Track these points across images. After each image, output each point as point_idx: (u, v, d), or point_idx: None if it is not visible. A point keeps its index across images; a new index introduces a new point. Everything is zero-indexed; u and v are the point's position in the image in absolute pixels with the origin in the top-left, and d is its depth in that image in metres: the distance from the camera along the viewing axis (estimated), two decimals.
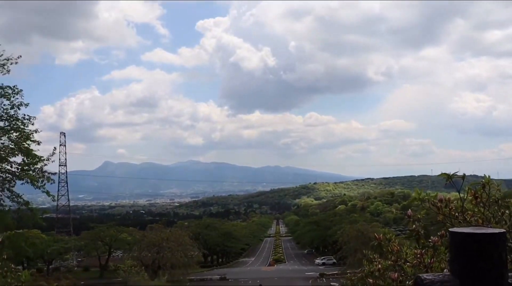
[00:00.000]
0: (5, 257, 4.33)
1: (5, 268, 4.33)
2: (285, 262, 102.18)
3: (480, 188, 2.71)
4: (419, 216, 3.00)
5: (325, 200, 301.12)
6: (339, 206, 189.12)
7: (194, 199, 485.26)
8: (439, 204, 2.73)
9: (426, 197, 2.75)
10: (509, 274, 1.18)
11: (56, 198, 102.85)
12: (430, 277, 1.19)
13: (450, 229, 1.20)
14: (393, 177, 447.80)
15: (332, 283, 52.38)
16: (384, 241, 3.27)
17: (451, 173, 2.57)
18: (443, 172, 2.73)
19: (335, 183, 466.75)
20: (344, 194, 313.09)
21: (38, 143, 16.88)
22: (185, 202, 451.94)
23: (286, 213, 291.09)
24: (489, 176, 2.64)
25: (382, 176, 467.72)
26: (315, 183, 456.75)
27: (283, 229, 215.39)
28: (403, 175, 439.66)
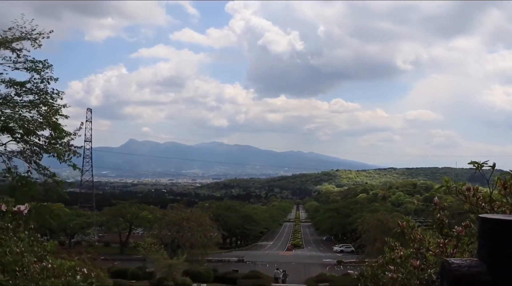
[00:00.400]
0: (32, 226, 4.39)
1: (32, 238, 4.40)
2: (303, 248, 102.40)
3: (509, 179, 2.64)
4: (445, 204, 2.94)
5: (346, 188, 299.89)
6: (360, 194, 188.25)
7: (215, 180, 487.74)
8: (466, 193, 2.67)
9: (454, 185, 2.69)
10: None
11: (80, 172, 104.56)
12: (458, 262, 1.16)
13: (480, 215, 1.19)
14: (416, 168, 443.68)
15: (349, 271, 52.30)
16: (407, 229, 3.23)
17: (481, 162, 2.51)
18: (468, 164, 2.68)
19: (357, 171, 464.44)
20: (366, 183, 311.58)
21: (66, 117, 17.06)
22: (206, 183, 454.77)
23: (307, 198, 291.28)
24: None
25: (405, 166, 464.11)
26: (337, 170, 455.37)
27: (303, 214, 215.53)
28: (427, 166, 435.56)
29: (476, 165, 2.55)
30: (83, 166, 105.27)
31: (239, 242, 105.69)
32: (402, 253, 3.51)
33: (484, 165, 2.53)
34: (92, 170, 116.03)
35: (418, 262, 2.95)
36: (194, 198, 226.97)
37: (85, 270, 5.10)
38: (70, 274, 4.67)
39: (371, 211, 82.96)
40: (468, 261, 1.17)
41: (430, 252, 3.04)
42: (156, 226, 63.99)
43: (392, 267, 3.41)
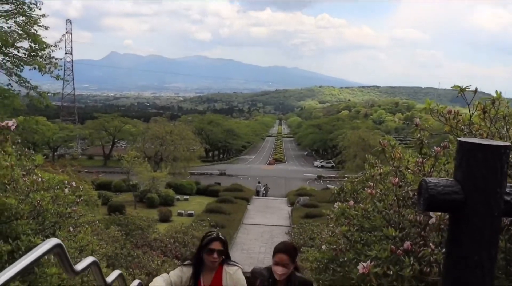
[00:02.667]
0: (19, 141, 4.43)
1: (19, 152, 4.45)
2: (285, 162, 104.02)
3: (489, 103, 2.72)
4: (426, 125, 3.04)
5: (329, 105, 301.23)
6: (343, 111, 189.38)
7: (198, 94, 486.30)
8: (447, 115, 2.76)
9: (436, 107, 2.77)
10: (507, 185, 1.25)
11: (62, 85, 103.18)
12: (434, 181, 1.25)
13: (458, 138, 1.25)
14: (399, 86, 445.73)
15: (329, 186, 53.64)
16: (388, 147, 3.34)
17: (463, 86, 2.57)
18: (451, 85, 2.74)
19: (341, 88, 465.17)
20: (349, 100, 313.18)
21: (46, 28, 16.57)
22: (189, 97, 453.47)
23: (290, 114, 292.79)
24: (500, 92, 2.64)
25: (389, 85, 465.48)
26: (320, 87, 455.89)
27: (285, 129, 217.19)
28: (410, 85, 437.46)
29: (458, 89, 2.61)
30: (64, 78, 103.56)
31: (221, 155, 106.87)
32: (381, 170, 3.66)
33: (467, 89, 2.59)
34: (73, 83, 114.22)
35: (396, 180, 3.08)
36: (177, 112, 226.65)
37: (73, 183, 5.21)
38: (58, 187, 4.78)
39: (353, 128, 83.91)
40: (444, 180, 1.25)
41: (409, 170, 3.18)
42: (139, 139, 64.29)
43: (371, 184, 3.56)
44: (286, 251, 4.07)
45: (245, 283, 4.16)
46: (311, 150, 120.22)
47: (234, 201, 36.19)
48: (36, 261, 2.14)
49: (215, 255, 4.00)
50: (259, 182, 53.12)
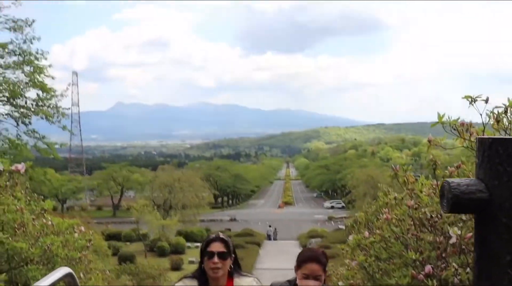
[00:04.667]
0: (28, 186, 4.42)
1: (28, 197, 4.43)
2: (294, 205, 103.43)
3: (501, 112, 2.68)
4: (439, 140, 2.98)
5: (335, 145, 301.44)
6: (350, 151, 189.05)
7: (205, 141, 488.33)
8: (460, 128, 2.71)
9: (447, 121, 2.72)
10: None
11: (69, 137, 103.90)
12: (457, 181, 1.20)
13: (477, 137, 1.22)
14: (404, 123, 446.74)
15: (340, 226, 53.13)
16: (401, 171, 3.29)
17: (474, 96, 2.54)
18: (462, 96, 2.70)
19: (346, 127, 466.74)
20: (355, 139, 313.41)
21: (52, 78, 16.87)
22: (196, 144, 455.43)
23: (296, 156, 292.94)
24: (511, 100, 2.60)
25: (394, 122, 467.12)
26: (326, 127, 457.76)
27: (293, 172, 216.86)
28: (416, 121, 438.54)
29: (469, 99, 2.58)
30: (71, 129, 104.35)
31: (230, 201, 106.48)
32: (396, 195, 3.59)
33: (478, 99, 2.57)
34: (80, 134, 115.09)
35: (412, 202, 3.03)
36: (184, 159, 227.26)
37: (82, 228, 5.16)
38: (68, 232, 4.73)
39: (361, 167, 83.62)
40: (467, 180, 1.20)
41: (423, 193, 3.12)
42: (148, 188, 64.22)
43: (386, 210, 3.49)
44: (317, 259, 3.23)
45: None
46: (320, 191, 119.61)
47: (246, 246, 35.87)
48: None
49: (215, 259, 3.14)
50: (269, 226, 52.71)
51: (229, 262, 3.21)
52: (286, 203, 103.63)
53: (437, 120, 2.65)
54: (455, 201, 1.18)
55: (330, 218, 69.86)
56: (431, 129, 2.84)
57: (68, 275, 2.30)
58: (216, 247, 3.17)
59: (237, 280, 3.24)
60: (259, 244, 40.13)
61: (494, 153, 1.19)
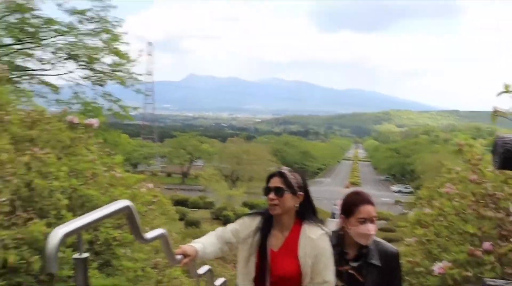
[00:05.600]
0: (101, 140, 4.66)
1: (101, 152, 4.65)
2: (361, 186, 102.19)
3: None
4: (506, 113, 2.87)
5: (407, 128, 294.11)
6: (422, 136, 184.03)
7: (275, 116, 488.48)
8: None
9: None
10: None
11: (143, 105, 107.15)
12: (509, 136, 1.18)
13: None
14: (479, 111, 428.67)
15: (405, 210, 52.09)
16: (466, 147, 3.22)
17: None
18: None
19: (419, 112, 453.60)
20: (428, 124, 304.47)
21: (127, 44, 17.49)
22: (266, 119, 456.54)
23: (366, 137, 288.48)
24: None
25: (469, 109, 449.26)
26: (398, 110, 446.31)
27: (361, 153, 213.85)
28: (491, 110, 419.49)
29: None
30: (145, 97, 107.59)
31: None
32: (459, 168, 3.52)
33: None
34: (153, 103, 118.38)
35: (475, 176, 2.96)
36: (254, 133, 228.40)
37: (150, 185, 5.39)
38: (136, 187, 4.95)
39: (432, 153, 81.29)
40: None
41: (488, 169, 3.05)
42: (216, 159, 65.28)
43: (448, 184, 3.43)
44: (370, 200, 3.01)
45: (331, 257, 2.88)
46: (389, 174, 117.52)
47: None
48: (105, 217, 2.22)
49: (272, 195, 2.80)
50: (334, 205, 52.40)
51: (289, 200, 2.84)
52: (353, 184, 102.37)
53: None
54: (506, 156, 1.14)
55: (397, 202, 68.63)
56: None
57: (127, 207, 2.37)
58: (274, 182, 2.85)
59: (305, 227, 2.91)
60: (322, 222, 40.04)
61: None
